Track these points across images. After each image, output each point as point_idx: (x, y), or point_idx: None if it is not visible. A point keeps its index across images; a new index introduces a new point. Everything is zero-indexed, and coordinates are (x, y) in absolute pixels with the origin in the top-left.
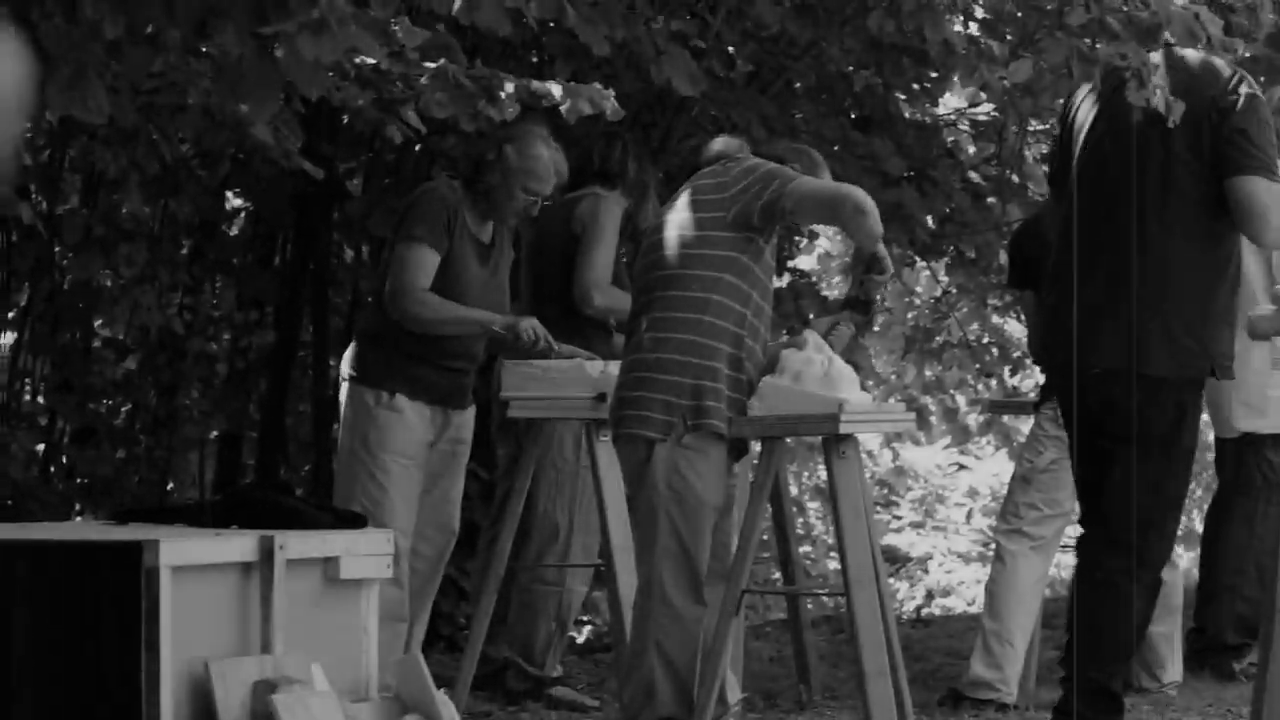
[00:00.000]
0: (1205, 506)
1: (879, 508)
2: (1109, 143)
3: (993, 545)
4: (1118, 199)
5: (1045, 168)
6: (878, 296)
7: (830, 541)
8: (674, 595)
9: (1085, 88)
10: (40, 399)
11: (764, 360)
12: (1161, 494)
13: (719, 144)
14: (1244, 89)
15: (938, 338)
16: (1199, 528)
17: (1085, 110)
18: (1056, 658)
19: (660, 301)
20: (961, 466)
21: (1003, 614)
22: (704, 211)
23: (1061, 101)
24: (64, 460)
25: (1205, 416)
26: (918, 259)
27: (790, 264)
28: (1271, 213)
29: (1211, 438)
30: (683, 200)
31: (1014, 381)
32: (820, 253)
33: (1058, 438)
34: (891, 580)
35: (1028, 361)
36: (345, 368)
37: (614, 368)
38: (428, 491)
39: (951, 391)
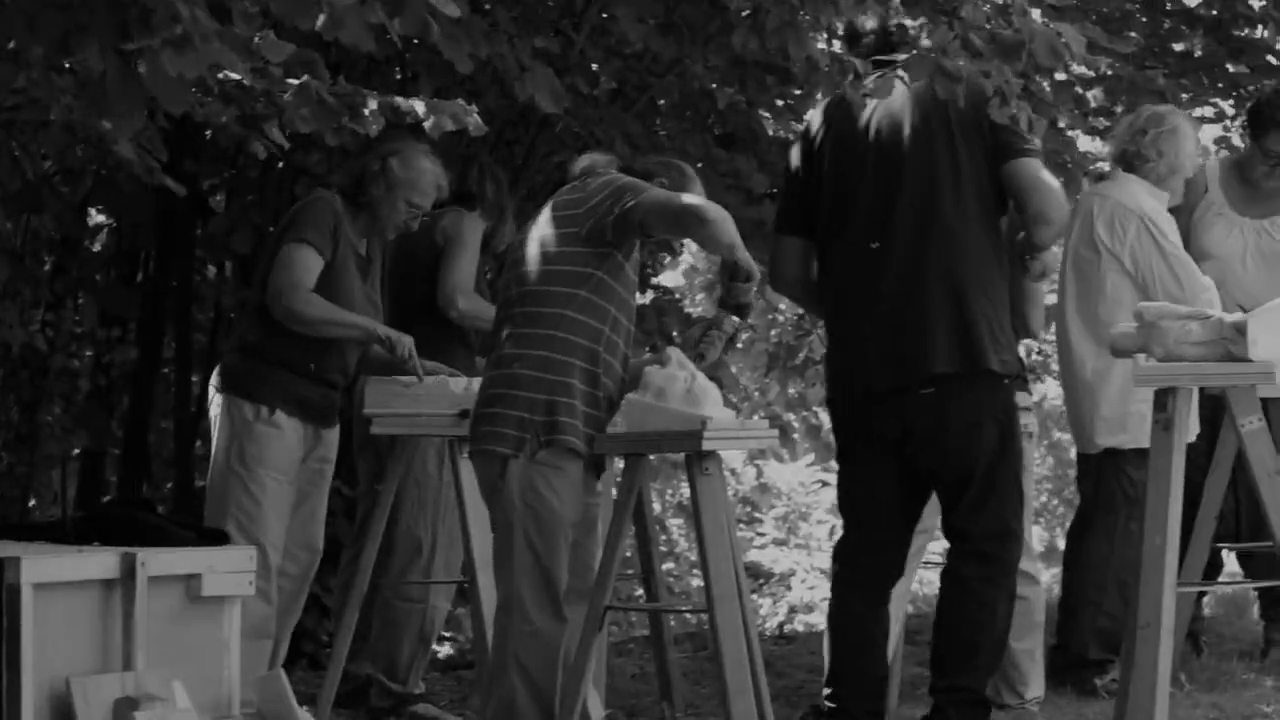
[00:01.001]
0: (1068, 523)
1: (742, 525)
2: (888, 148)
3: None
4: (918, 208)
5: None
6: (747, 302)
7: (693, 558)
8: (533, 611)
9: (817, 118)
10: None
11: (626, 376)
12: (1011, 498)
13: (586, 159)
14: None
15: (800, 355)
16: (1061, 544)
17: (833, 136)
18: (920, 674)
19: (517, 318)
20: (824, 483)
21: None
22: (562, 227)
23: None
24: None
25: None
26: None
27: (654, 280)
28: (1059, 193)
29: (1074, 454)
30: (544, 216)
31: None
32: (685, 269)
33: None
34: (754, 597)
35: None
36: (217, 380)
37: (477, 384)
38: (295, 509)
39: (815, 408)
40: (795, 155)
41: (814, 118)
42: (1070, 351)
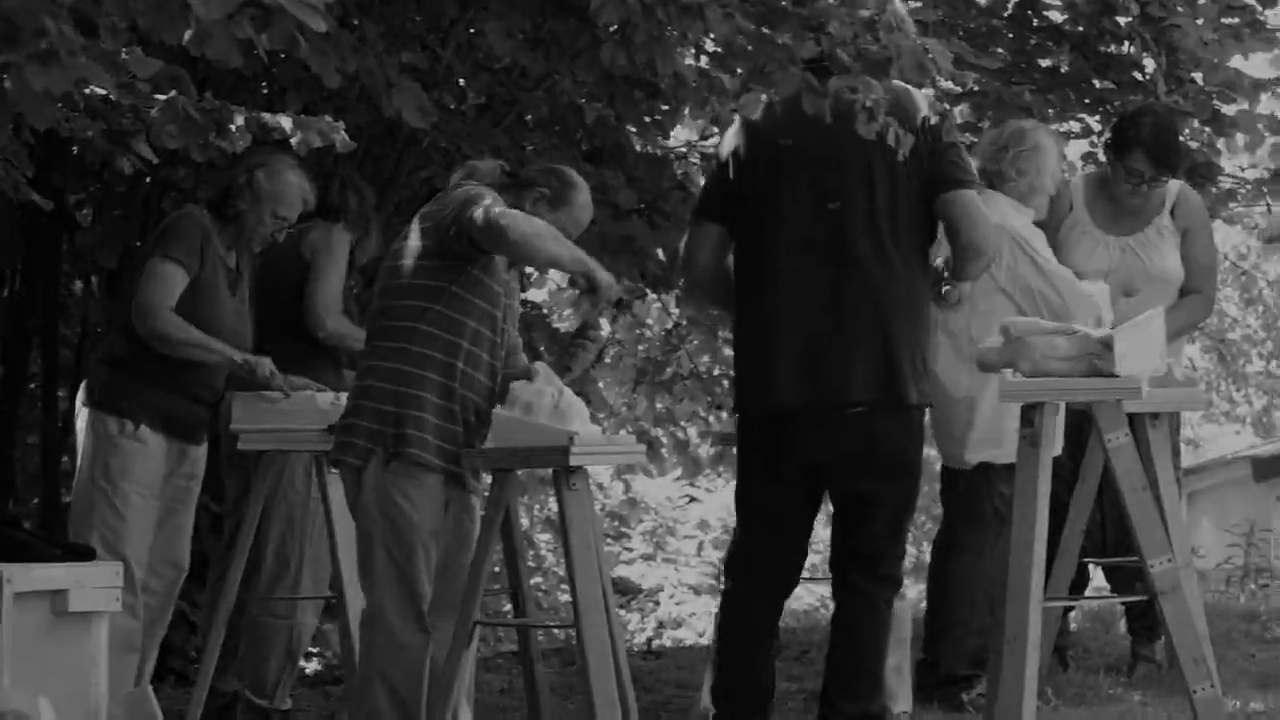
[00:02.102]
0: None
1: (610, 540)
2: (806, 166)
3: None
4: (843, 229)
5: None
6: (600, 312)
7: (561, 573)
8: (396, 624)
9: (760, 113)
10: None
11: (497, 387)
12: (906, 522)
13: (468, 166)
14: (939, 107)
15: (669, 369)
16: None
17: (753, 139)
18: (789, 689)
19: (377, 331)
20: (692, 499)
21: None
22: (422, 240)
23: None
24: None
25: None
26: (649, 291)
27: (521, 295)
28: (991, 227)
29: (938, 468)
30: (411, 228)
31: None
32: (552, 286)
33: None
34: (622, 612)
35: None
36: (83, 395)
37: (344, 399)
38: (160, 525)
39: (683, 423)
40: (727, 143)
41: (759, 111)
42: (942, 367)
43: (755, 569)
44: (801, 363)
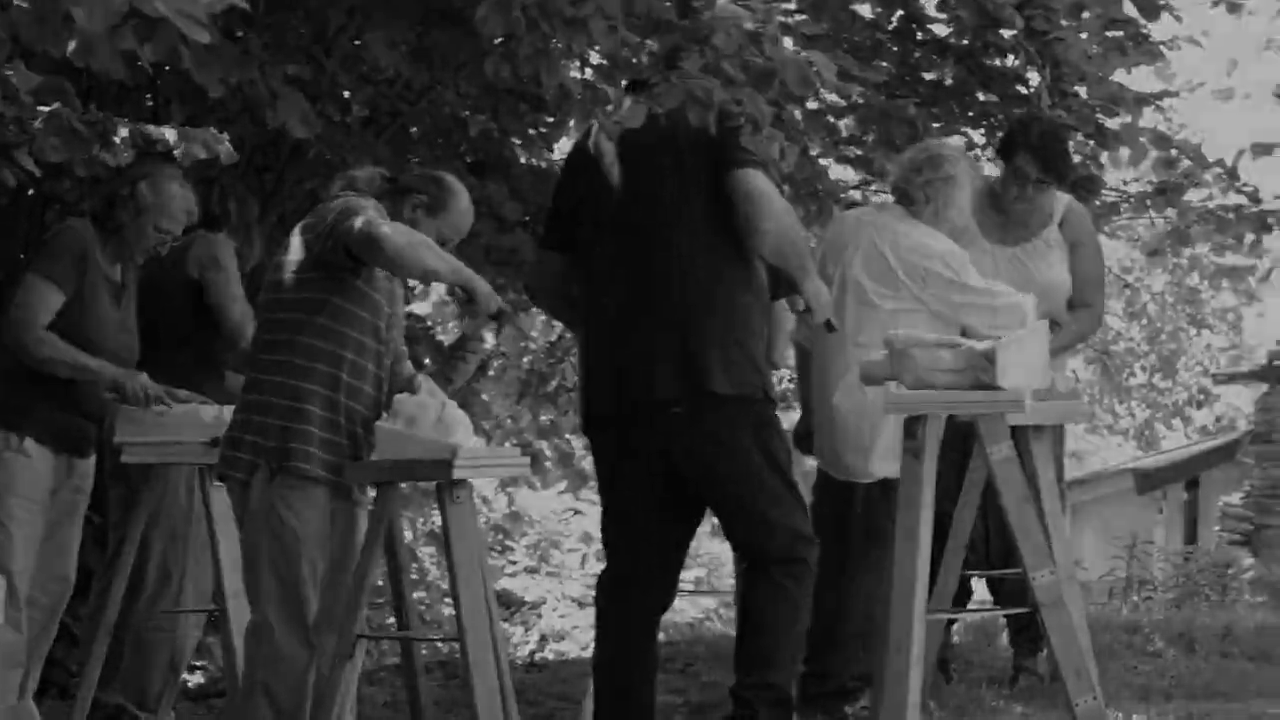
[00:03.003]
0: None
1: (493, 553)
2: (628, 173)
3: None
4: (647, 226)
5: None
6: (492, 314)
7: (445, 586)
8: (280, 637)
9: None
10: None
11: (381, 401)
12: (786, 502)
13: (346, 176)
14: (728, 105)
15: (553, 382)
16: None
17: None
18: (673, 702)
19: (260, 343)
20: (577, 511)
21: None
22: (301, 252)
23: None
24: None
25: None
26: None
27: (405, 309)
28: (773, 202)
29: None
30: (292, 240)
31: None
32: (435, 298)
33: None
34: (505, 625)
35: None
36: None
37: (228, 412)
38: (46, 539)
39: (567, 436)
40: (563, 172)
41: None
42: (849, 380)
43: (622, 589)
44: (612, 369)
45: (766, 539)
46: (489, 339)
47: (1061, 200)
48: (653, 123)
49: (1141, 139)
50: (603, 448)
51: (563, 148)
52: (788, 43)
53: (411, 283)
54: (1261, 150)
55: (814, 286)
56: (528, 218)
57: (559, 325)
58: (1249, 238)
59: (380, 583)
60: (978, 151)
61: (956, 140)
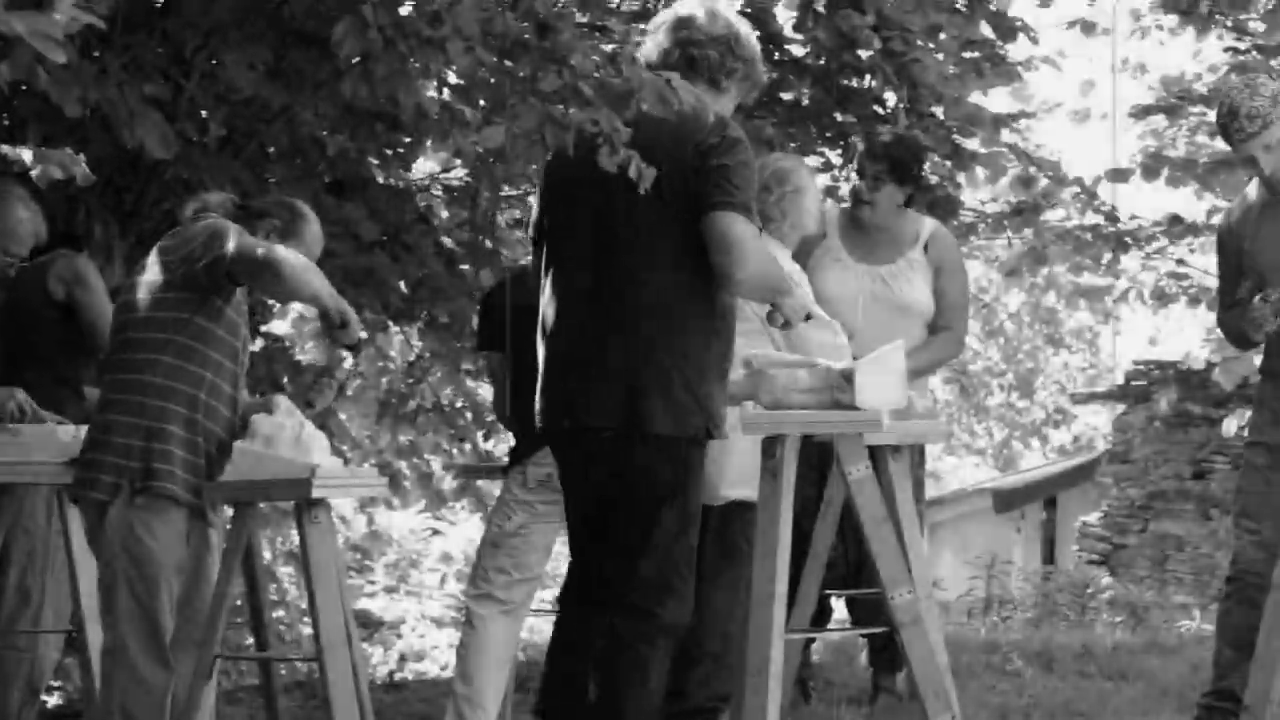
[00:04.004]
0: None
1: (353, 572)
2: (587, 193)
3: (465, 610)
4: (603, 250)
5: (527, 231)
6: (352, 344)
7: (303, 606)
8: (138, 659)
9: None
10: None
11: (237, 420)
12: (672, 556)
13: (199, 199)
14: (729, 131)
15: (412, 402)
16: None
17: (562, 167)
18: None
19: (117, 363)
20: (436, 531)
21: (474, 678)
22: (162, 273)
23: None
24: None
25: None
26: (391, 324)
27: (264, 329)
28: (748, 250)
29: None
30: (150, 259)
31: (487, 446)
32: (294, 316)
33: (527, 502)
34: (365, 645)
35: (500, 425)
36: None
37: (85, 432)
38: None
39: (426, 456)
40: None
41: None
42: None
43: (573, 596)
44: (557, 389)
45: (632, 569)
46: (348, 359)
47: (927, 223)
48: (639, 144)
49: (1000, 148)
50: (556, 460)
51: (420, 167)
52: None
53: (270, 302)
54: (1117, 176)
55: (789, 302)
56: (385, 237)
57: (417, 345)
58: (1106, 257)
59: (238, 602)
60: (835, 172)
61: (812, 160)
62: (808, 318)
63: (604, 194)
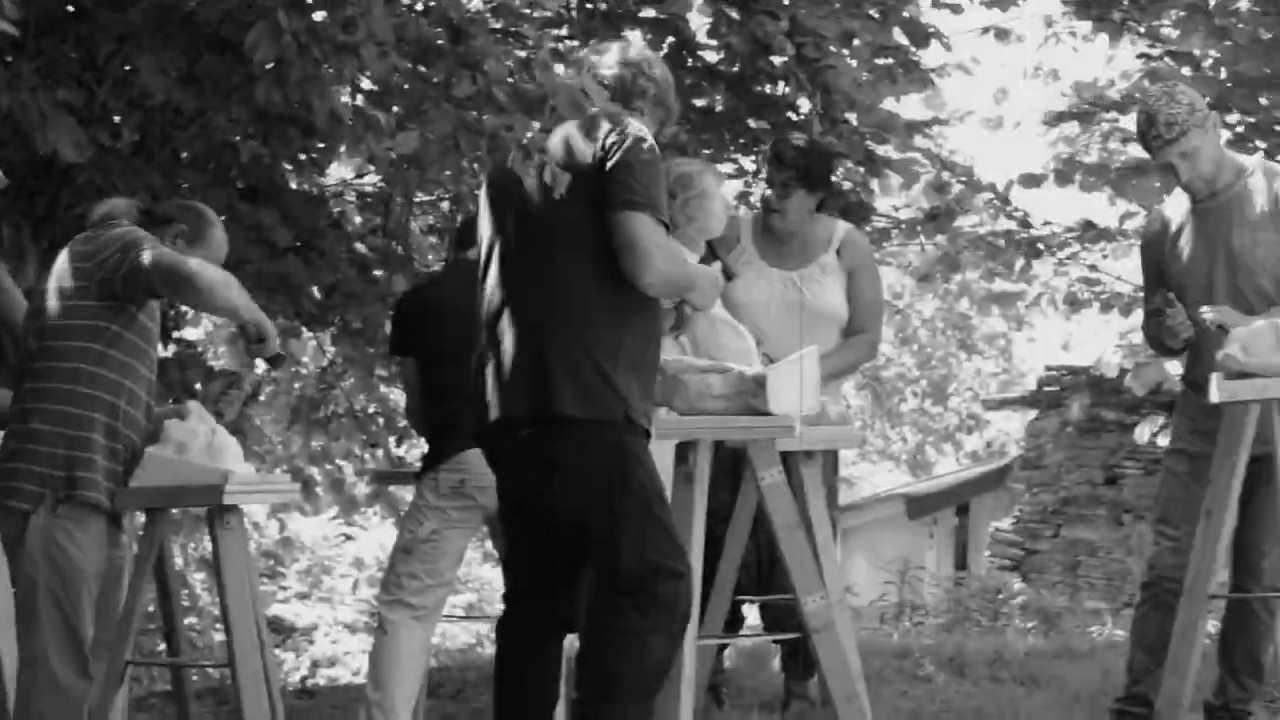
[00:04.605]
0: None
1: (265, 578)
2: (515, 194)
3: (377, 615)
4: (527, 250)
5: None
6: (271, 357)
7: (216, 612)
8: (58, 668)
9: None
10: None
11: (150, 427)
12: (648, 539)
13: (105, 205)
14: (632, 130)
15: (324, 408)
16: None
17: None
18: None
19: (36, 372)
20: (348, 537)
21: (386, 684)
22: (77, 279)
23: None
24: None
25: None
26: (304, 329)
27: (176, 334)
28: (654, 251)
29: None
30: (61, 265)
31: (400, 451)
32: (206, 324)
33: (439, 508)
34: (277, 651)
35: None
36: None
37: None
38: None
39: (338, 462)
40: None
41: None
42: None
43: (515, 603)
44: (487, 388)
45: (613, 567)
46: (260, 366)
47: (840, 227)
48: (569, 142)
49: (913, 154)
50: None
51: (334, 172)
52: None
53: (184, 310)
54: (1030, 181)
55: (697, 295)
56: (298, 243)
57: (329, 351)
58: (1019, 263)
59: (150, 609)
60: (748, 179)
61: (725, 166)
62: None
63: (527, 194)
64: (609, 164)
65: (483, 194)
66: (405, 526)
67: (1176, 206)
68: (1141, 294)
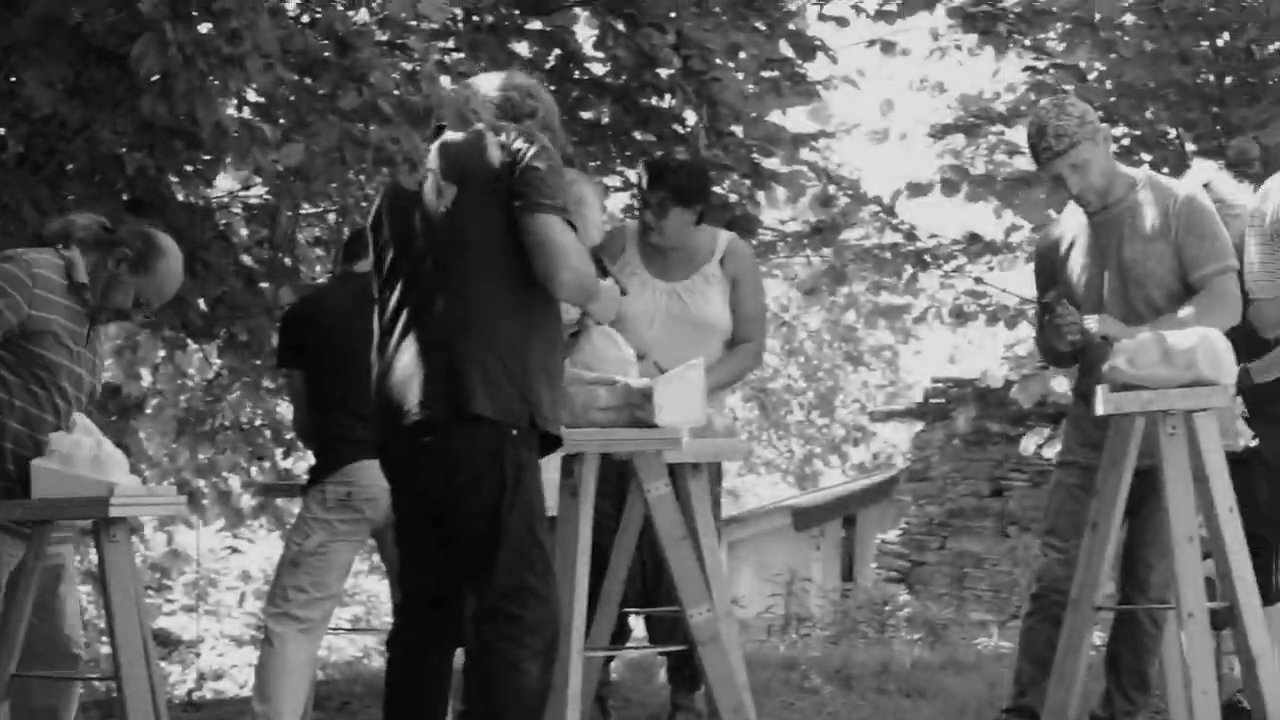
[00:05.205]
0: None
1: (151, 591)
2: (417, 201)
3: (264, 628)
4: (432, 257)
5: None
6: None
7: (102, 625)
8: None
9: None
10: None
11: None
12: (525, 557)
13: (58, 223)
14: (539, 137)
15: (211, 420)
16: None
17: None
18: None
19: None
20: (235, 550)
21: (272, 697)
22: None
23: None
24: None
25: None
26: (190, 342)
27: None
28: (570, 251)
29: None
30: None
31: (287, 464)
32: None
33: (326, 521)
34: (163, 664)
35: (300, 444)
36: None
37: None
38: None
39: (225, 474)
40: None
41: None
42: None
43: (406, 613)
44: (390, 395)
45: (488, 579)
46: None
47: (723, 237)
48: (460, 152)
49: (800, 166)
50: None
51: (221, 184)
52: (445, 81)
53: None
54: (917, 191)
55: (597, 307)
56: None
57: (216, 363)
58: (905, 275)
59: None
60: (634, 192)
61: (611, 179)
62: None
63: (427, 205)
64: (518, 168)
65: (379, 207)
66: (292, 539)
67: (1071, 219)
68: (1029, 306)
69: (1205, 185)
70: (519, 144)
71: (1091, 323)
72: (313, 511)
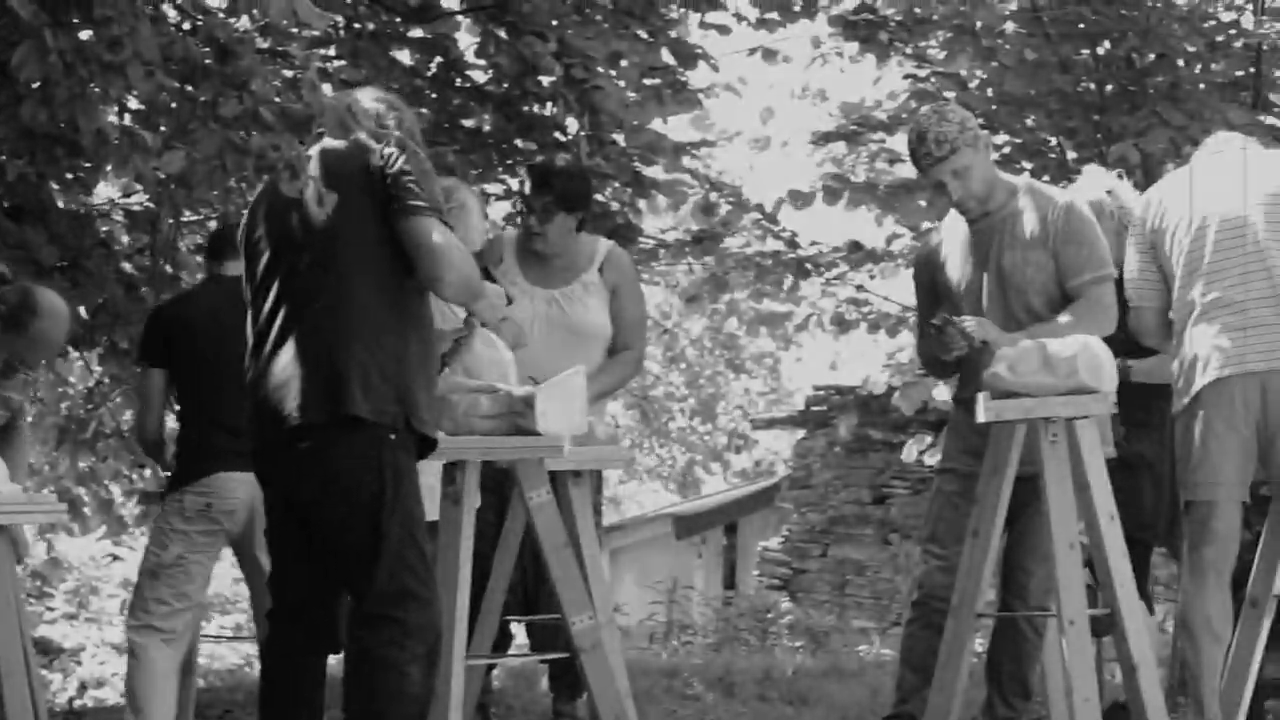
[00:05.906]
0: None
1: (32, 599)
2: (294, 206)
3: (129, 641)
4: (306, 261)
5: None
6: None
7: None
8: None
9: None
10: None
11: None
12: (405, 562)
13: None
14: (410, 144)
15: (91, 427)
16: None
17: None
18: None
19: None
20: (116, 557)
21: (144, 708)
22: None
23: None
24: None
25: None
26: (70, 349)
27: None
28: (451, 250)
29: None
30: None
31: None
32: None
33: (184, 532)
34: (44, 672)
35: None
36: None
37: None
38: None
39: (106, 481)
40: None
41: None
42: None
43: (280, 621)
44: (256, 400)
45: (367, 585)
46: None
47: (603, 245)
48: (340, 160)
49: (681, 174)
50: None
51: (101, 192)
52: (327, 89)
53: None
54: (800, 199)
55: (483, 305)
56: (65, 262)
57: (97, 371)
58: (787, 283)
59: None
60: (515, 200)
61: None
62: (504, 319)
63: (304, 210)
64: (390, 172)
65: (254, 209)
66: (150, 550)
67: (951, 226)
68: (910, 314)
69: (1108, 192)
70: (389, 149)
71: (969, 323)
72: (171, 522)
